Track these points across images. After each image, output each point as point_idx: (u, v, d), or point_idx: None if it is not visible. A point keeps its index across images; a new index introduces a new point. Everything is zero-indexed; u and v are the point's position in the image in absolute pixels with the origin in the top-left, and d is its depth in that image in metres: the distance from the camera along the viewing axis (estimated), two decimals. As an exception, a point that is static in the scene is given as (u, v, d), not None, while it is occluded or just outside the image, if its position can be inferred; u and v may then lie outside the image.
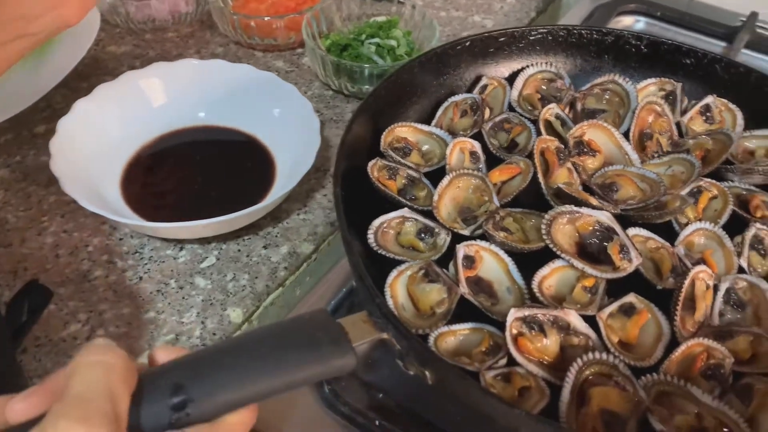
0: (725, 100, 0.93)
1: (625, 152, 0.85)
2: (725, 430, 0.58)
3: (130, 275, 0.89)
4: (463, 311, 0.69)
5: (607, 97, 0.93)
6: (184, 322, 0.84)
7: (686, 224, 0.79)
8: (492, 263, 0.73)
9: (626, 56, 0.98)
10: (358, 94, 1.17)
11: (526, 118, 0.91)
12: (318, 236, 0.95)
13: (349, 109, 1.16)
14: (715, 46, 1.24)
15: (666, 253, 0.74)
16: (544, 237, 0.72)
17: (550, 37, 0.97)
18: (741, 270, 0.74)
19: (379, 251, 0.73)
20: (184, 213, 0.93)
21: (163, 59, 1.08)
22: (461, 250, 0.72)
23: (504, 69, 0.97)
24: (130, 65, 1.20)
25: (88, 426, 0.38)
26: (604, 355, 0.63)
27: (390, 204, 0.79)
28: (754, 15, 1.23)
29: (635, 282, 0.72)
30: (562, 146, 0.84)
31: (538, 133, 0.87)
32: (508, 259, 0.73)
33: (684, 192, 0.81)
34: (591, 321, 0.68)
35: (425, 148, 0.88)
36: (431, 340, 0.64)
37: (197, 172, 1.00)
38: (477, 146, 0.85)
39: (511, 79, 0.97)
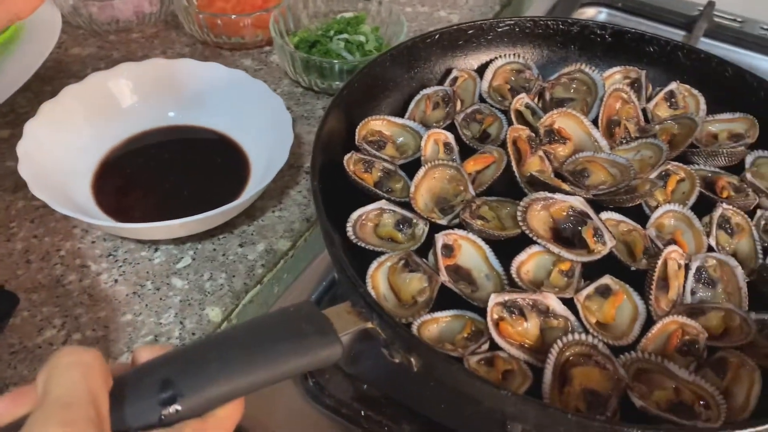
0: (688, 86, 0.96)
1: (594, 139, 0.87)
2: (702, 402, 0.60)
3: (105, 278, 0.88)
4: (444, 299, 0.70)
5: (575, 86, 0.95)
6: (162, 323, 0.84)
7: (656, 207, 0.81)
8: (470, 251, 0.74)
9: (591, 46, 1.00)
10: (328, 90, 1.17)
11: (496, 108, 0.93)
12: (294, 233, 0.95)
13: (319, 106, 1.16)
14: (675, 35, 1.27)
15: (638, 236, 0.76)
16: (521, 223, 0.73)
17: (517, 29, 0.98)
18: (710, 249, 0.76)
19: (358, 243, 0.73)
20: (157, 213, 0.92)
21: (128, 60, 1.06)
22: (440, 239, 0.72)
23: (473, 61, 0.99)
24: (95, 67, 1.18)
25: (74, 430, 0.38)
26: (584, 336, 0.64)
27: (367, 197, 0.80)
28: (711, 4, 1.27)
29: (610, 264, 0.74)
30: (534, 135, 0.85)
31: (510, 123, 0.88)
32: (485, 247, 0.74)
33: (653, 176, 0.83)
34: (569, 303, 0.69)
35: (400, 140, 0.88)
36: (414, 328, 0.65)
37: (170, 173, 0.99)
38: (451, 137, 0.86)
39: (481, 70, 0.98)
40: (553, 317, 0.67)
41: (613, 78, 0.98)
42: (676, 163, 0.85)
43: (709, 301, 0.71)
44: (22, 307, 0.83)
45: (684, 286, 0.72)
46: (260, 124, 1.00)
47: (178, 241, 0.92)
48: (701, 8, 1.28)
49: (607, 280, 0.72)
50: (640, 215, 0.80)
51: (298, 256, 0.95)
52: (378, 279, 0.70)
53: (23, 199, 0.95)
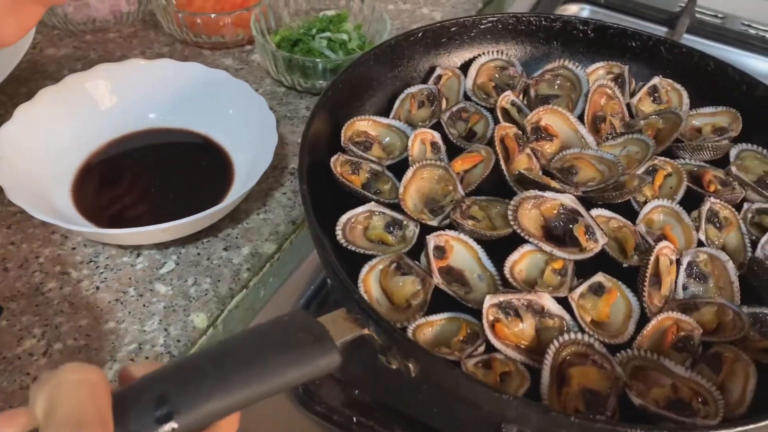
0: (671, 80, 0.96)
1: (581, 135, 0.86)
2: (699, 399, 0.60)
3: (86, 285, 0.86)
4: (437, 301, 0.69)
5: (559, 82, 0.95)
6: (146, 331, 0.82)
7: (645, 202, 0.81)
8: (462, 252, 0.73)
9: (574, 41, 1.00)
10: (311, 89, 1.15)
11: (482, 106, 0.92)
12: (280, 235, 0.94)
13: (303, 105, 1.15)
14: (658, 31, 1.28)
15: (628, 232, 0.76)
16: (512, 222, 0.72)
17: (500, 26, 0.98)
18: (700, 243, 0.76)
19: (348, 247, 0.72)
20: (139, 218, 0.90)
21: (105, 61, 1.04)
22: (431, 241, 0.71)
23: (456, 59, 0.98)
24: (72, 68, 1.15)
25: None
26: (579, 335, 0.64)
27: (355, 199, 0.79)
28: (693, 0, 1.27)
29: (602, 262, 0.73)
30: (521, 133, 0.85)
31: (496, 121, 0.88)
32: (477, 247, 0.73)
33: (640, 171, 0.83)
34: (563, 302, 0.68)
35: (386, 141, 0.87)
36: (410, 332, 0.64)
37: (151, 176, 0.97)
38: (437, 137, 0.85)
39: (465, 68, 0.97)
40: (548, 317, 0.66)
41: (597, 73, 0.98)
42: (663, 158, 0.85)
43: (701, 297, 0.71)
44: None
45: (676, 282, 0.72)
46: (243, 125, 0.99)
47: (161, 246, 0.90)
48: (683, 4, 1.29)
49: (599, 277, 0.71)
50: (629, 211, 0.80)
51: (284, 259, 0.94)
52: (370, 283, 0.69)
53: (0, 203, 0.92)
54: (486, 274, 0.72)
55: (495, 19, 0.96)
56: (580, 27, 0.97)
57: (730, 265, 0.72)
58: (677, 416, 0.58)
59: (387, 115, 0.91)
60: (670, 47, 0.95)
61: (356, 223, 0.76)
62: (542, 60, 0.99)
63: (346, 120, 0.85)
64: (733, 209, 0.79)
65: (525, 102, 0.93)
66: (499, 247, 0.73)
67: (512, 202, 0.74)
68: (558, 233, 0.74)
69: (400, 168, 0.82)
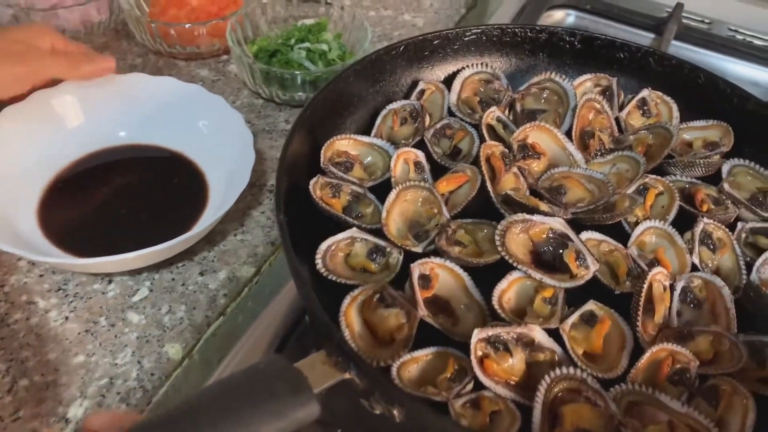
0: (660, 93, 0.94)
1: (569, 153, 0.84)
2: (697, 436, 0.58)
3: (54, 316, 0.81)
4: (423, 332, 0.66)
5: (546, 96, 0.92)
6: (118, 364, 0.78)
7: (636, 223, 0.78)
8: (448, 280, 0.70)
9: (561, 53, 0.97)
10: (290, 101, 1.11)
11: (466, 122, 0.89)
12: (258, 257, 0.90)
13: (282, 118, 1.11)
14: (645, 38, 1.25)
15: (620, 256, 0.73)
16: (499, 248, 0.69)
17: (484, 38, 0.94)
18: (694, 267, 0.74)
19: (329, 277, 0.69)
20: (111, 243, 0.85)
21: (75, 75, 0.99)
22: (416, 269, 0.68)
23: (440, 72, 0.95)
24: (39, 83, 1.10)
25: None
26: (572, 370, 0.61)
27: (336, 223, 0.75)
28: (680, 6, 1.25)
29: (593, 287, 0.70)
30: (507, 150, 0.82)
31: (481, 138, 0.85)
32: (464, 275, 0.70)
33: (631, 190, 0.80)
34: (554, 333, 0.65)
35: (367, 160, 0.84)
36: (394, 370, 0.61)
37: (123, 197, 0.93)
38: (421, 156, 0.82)
39: (448, 82, 0.94)
40: (539, 350, 0.63)
41: (584, 86, 0.95)
42: (654, 176, 0.82)
43: (697, 325, 0.68)
44: (-39, 353, 0.76)
45: (670, 309, 0.69)
46: (219, 142, 0.95)
47: (134, 272, 0.86)
48: (669, 9, 1.27)
49: (591, 306, 0.69)
50: (620, 232, 0.78)
51: (264, 282, 0.90)
52: (352, 316, 0.65)
53: (-39, 231, 0.87)
54: (474, 304, 0.69)
55: (479, 30, 0.93)
56: (567, 38, 0.94)
57: (726, 292, 0.69)
58: (675, 458, 0.55)
59: (369, 132, 0.87)
60: (660, 59, 0.93)
61: (337, 250, 0.72)
62: (528, 72, 0.96)
63: (325, 139, 0.81)
64: (727, 230, 0.77)
65: (511, 117, 0.90)
66: (486, 274, 0.70)
67: (499, 227, 0.71)
68: (547, 258, 0.71)
69: (382, 189, 0.79)
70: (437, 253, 0.72)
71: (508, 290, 0.68)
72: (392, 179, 0.79)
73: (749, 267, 0.75)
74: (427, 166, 0.82)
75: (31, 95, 0.93)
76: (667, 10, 1.28)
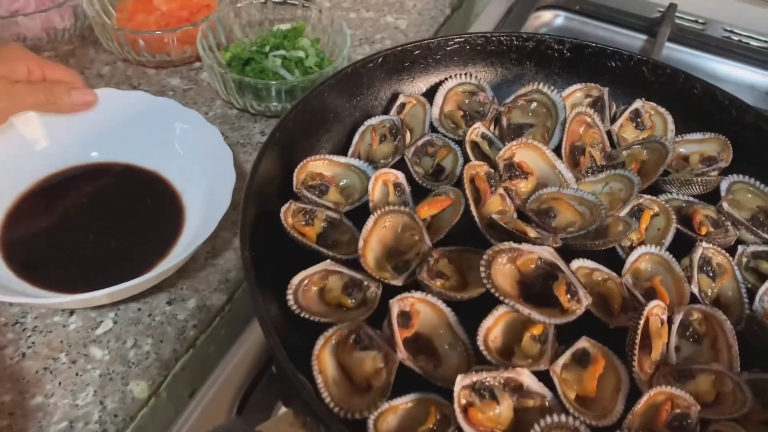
0: (654, 104, 0.89)
1: (558, 171, 0.79)
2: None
3: (11, 352, 0.76)
4: (402, 373, 0.61)
5: (533, 108, 0.87)
6: (79, 405, 0.72)
7: (630, 247, 0.73)
8: (430, 315, 0.65)
9: (549, 62, 0.92)
10: (265, 112, 1.06)
11: (450, 138, 0.84)
12: (231, 283, 0.85)
13: (257, 130, 1.05)
14: (637, 39, 1.20)
15: (614, 285, 0.69)
16: (484, 281, 0.64)
17: (468, 46, 0.89)
18: (692, 297, 0.69)
19: (301, 314, 0.63)
20: (79, 274, 0.80)
21: (37, 87, 0.93)
22: (395, 306, 0.63)
23: (422, 84, 0.89)
24: (-3, 96, 1.04)
25: None
26: (563, 417, 0.56)
27: (311, 252, 0.70)
28: (673, 6, 1.20)
29: (585, 320, 0.65)
30: (492, 170, 0.77)
31: (465, 156, 0.79)
32: (447, 310, 0.65)
33: (625, 212, 0.76)
34: (544, 375, 0.61)
35: (344, 182, 0.78)
36: (371, 423, 0.55)
37: (93, 220, 0.86)
38: (401, 177, 0.77)
39: (430, 94, 0.89)
40: (528, 396, 0.59)
41: (574, 96, 0.90)
42: (649, 196, 0.78)
43: (697, 362, 0.64)
44: None
45: (668, 344, 0.64)
46: (196, 160, 0.89)
47: (98, 303, 0.80)
48: (662, 9, 1.21)
49: (584, 343, 0.64)
50: (613, 257, 0.73)
51: (236, 309, 0.85)
52: (325, 359, 0.60)
53: None
54: (457, 342, 0.64)
55: (462, 39, 0.87)
56: (555, 46, 0.89)
57: (728, 326, 0.64)
58: None
59: (346, 151, 0.82)
60: (653, 67, 0.88)
61: (310, 284, 0.67)
62: (515, 82, 0.91)
63: (298, 160, 0.76)
64: (727, 254, 0.72)
65: (497, 132, 0.85)
66: (472, 306, 0.66)
67: (485, 257, 0.66)
68: (536, 290, 0.66)
69: (361, 213, 0.73)
70: (419, 284, 0.67)
71: (494, 327, 0.64)
72: (370, 204, 0.74)
73: (751, 295, 0.70)
74: (407, 188, 0.77)
75: None
76: (659, 10, 1.22)
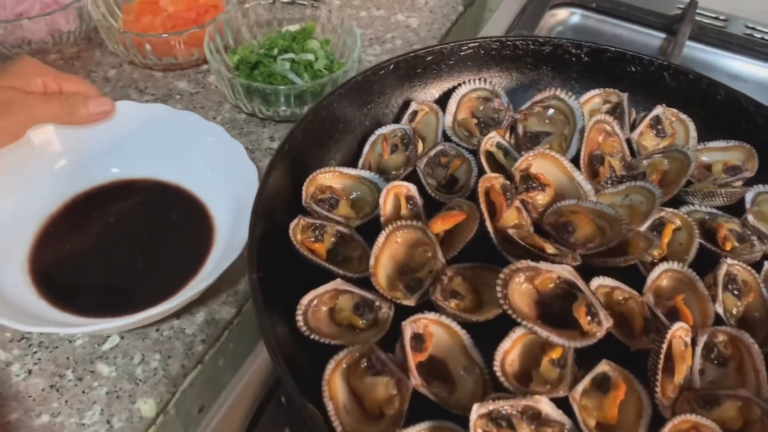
0: (675, 110, 0.86)
1: (577, 183, 0.76)
2: None
3: (17, 369, 0.75)
4: (416, 401, 0.59)
5: (550, 115, 0.84)
6: (85, 424, 0.71)
7: (651, 262, 0.71)
8: (444, 337, 0.63)
9: (566, 66, 0.89)
10: (274, 116, 1.04)
11: (463, 147, 0.81)
12: (239, 295, 0.83)
13: (266, 135, 1.03)
14: (656, 38, 1.17)
15: (635, 305, 0.66)
16: (501, 302, 0.61)
17: (482, 51, 0.86)
18: (717, 317, 0.66)
19: (311, 336, 0.61)
20: (109, 298, 0.78)
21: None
22: (408, 328, 0.61)
23: (434, 90, 0.87)
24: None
25: None
26: (583, 447, 0.54)
27: (320, 269, 0.68)
28: (693, 3, 1.16)
29: (605, 342, 0.63)
30: (508, 182, 0.74)
31: (479, 167, 0.77)
32: (462, 332, 0.63)
33: (645, 226, 0.73)
34: (564, 401, 0.58)
35: (354, 195, 0.76)
36: (382, 455, 0.54)
37: (122, 241, 0.84)
38: (413, 189, 0.74)
39: (443, 100, 0.86)
40: (546, 425, 0.56)
41: (592, 102, 0.87)
42: (671, 209, 0.75)
43: (723, 386, 0.61)
44: None
45: (692, 367, 0.62)
46: (220, 175, 0.86)
47: (104, 317, 0.79)
48: (681, 6, 1.17)
49: (604, 366, 0.61)
50: (633, 273, 0.70)
51: (246, 322, 0.83)
52: (336, 385, 0.58)
53: None
54: (473, 366, 0.62)
55: (476, 44, 0.85)
56: (573, 50, 0.86)
57: (756, 350, 0.62)
58: None
59: (356, 161, 0.80)
60: (675, 72, 0.84)
61: (320, 304, 0.65)
62: (531, 88, 0.88)
63: (308, 173, 0.74)
64: (753, 271, 0.70)
65: (512, 140, 0.82)
66: (488, 327, 0.63)
67: (501, 275, 0.63)
68: (554, 311, 0.64)
69: (372, 227, 0.71)
70: (432, 305, 0.65)
71: (511, 351, 0.61)
72: (381, 218, 0.71)
73: (778, 314, 0.68)
74: (420, 201, 0.74)
75: None
76: (679, 7, 1.19)
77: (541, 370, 0.60)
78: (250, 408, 0.78)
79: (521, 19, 1.21)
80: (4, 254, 0.79)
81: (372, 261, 0.66)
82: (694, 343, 0.63)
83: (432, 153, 0.79)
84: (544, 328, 0.61)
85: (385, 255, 0.68)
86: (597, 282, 0.67)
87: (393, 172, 0.78)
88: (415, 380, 0.58)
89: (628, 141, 0.83)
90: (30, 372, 0.75)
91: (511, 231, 0.69)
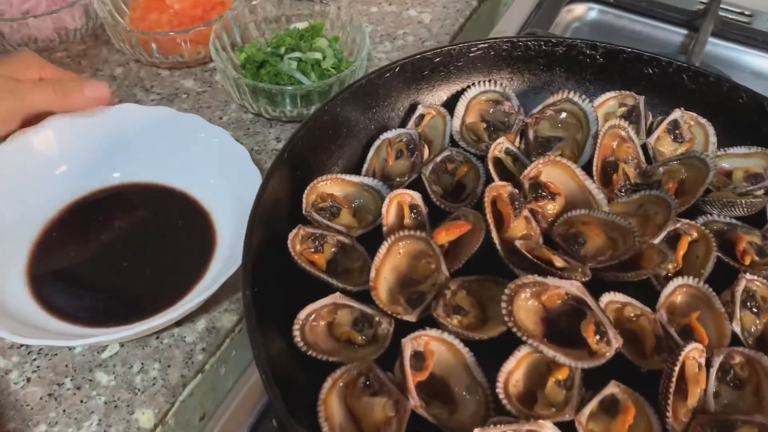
0: (694, 114, 0.82)
1: (588, 192, 0.73)
2: None
3: (15, 377, 0.74)
4: (414, 422, 0.56)
5: (563, 118, 0.81)
6: (83, 435, 0.70)
7: (666, 277, 0.68)
8: (446, 355, 0.61)
9: (580, 68, 0.85)
10: (281, 117, 1.01)
11: (471, 153, 0.78)
12: (241, 303, 0.81)
13: (272, 136, 1.01)
14: (677, 34, 1.12)
15: (647, 323, 0.63)
16: (506, 319, 0.59)
17: (492, 52, 0.83)
18: (734, 336, 0.63)
19: (308, 353, 0.60)
20: (109, 307, 0.77)
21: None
22: (408, 346, 0.59)
23: (442, 93, 0.84)
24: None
25: None
26: (588, 477, 0.51)
27: (319, 281, 0.66)
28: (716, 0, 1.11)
29: (614, 361, 0.60)
30: (516, 191, 0.71)
31: (487, 174, 0.74)
32: (464, 350, 0.60)
33: (660, 237, 0.70)
34: (569, 425, 0.56)
35: (357, 203, 0.74)
36: (377, 482, 0.52)
37: (123, 248, 0.82)
38: (417, 198, 0.72)
39: (452, 103, 0.83)
40: (549, 451, 0.54)
41: (607, 105, 0.84)
42: (687, 220, 0.71)
43: (738, 412, 0.58)
44: None
45: (705, 390, 0.59)
46: (223, 180, 0.85)
47: (104, 324, 0.78)
48: (704, 1, 1.13)
49: (612, 388, 0.59)
50: (645, 286, 0.67)
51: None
52: (332, 405, 0.56)
53: None
54: (475, 386, 0.59)
55: (486, 45, 0.81)
56: (587, 51, 0.83)
57: (774, 373, 0.59)
58: None
59: (360, 166, 0.77)
60: (694, 75, 0.81)
61: (319, 318, 0.63)
62: (543, 90, 0.85)
63: (309, 180, 0.72)
64: (773, 287, 0.66)
65: (523, 145, 0.79)
66: (491, 345, 0.61)
67: (507, 291, 0.61)
68: (562, 329, 0.61)
69: (375, 237, 0.69)
70: (434, 321, 0.62)
71: (515, 371, 0.59)
72: (384, 228, 0.69)
73: (799, 333, 0.64)
74: (424, 209, 0.72)
75: (10, 137, 0.84)
76: (701, 2, 1.14)
77: (547, 391, 0.58)
78: (253, 414, 0.76)
79: (537, 14, 1.17)
80: (2, 261, 0.78)
81: (373, 274, 0.64)
82: (708, 364, 0.60)
83: (438, 159, 0.77)
84: (551, 347, 0.59)
85: (387, 267, 0.66)
86: (607, 298, 0.64)
87: (398, 179, 0.75)
88: (414, 402, 0.56)
89: (644, 146, 0.80)
90: (29, 380, 0.74)
91: (518, 243, 0.66)
